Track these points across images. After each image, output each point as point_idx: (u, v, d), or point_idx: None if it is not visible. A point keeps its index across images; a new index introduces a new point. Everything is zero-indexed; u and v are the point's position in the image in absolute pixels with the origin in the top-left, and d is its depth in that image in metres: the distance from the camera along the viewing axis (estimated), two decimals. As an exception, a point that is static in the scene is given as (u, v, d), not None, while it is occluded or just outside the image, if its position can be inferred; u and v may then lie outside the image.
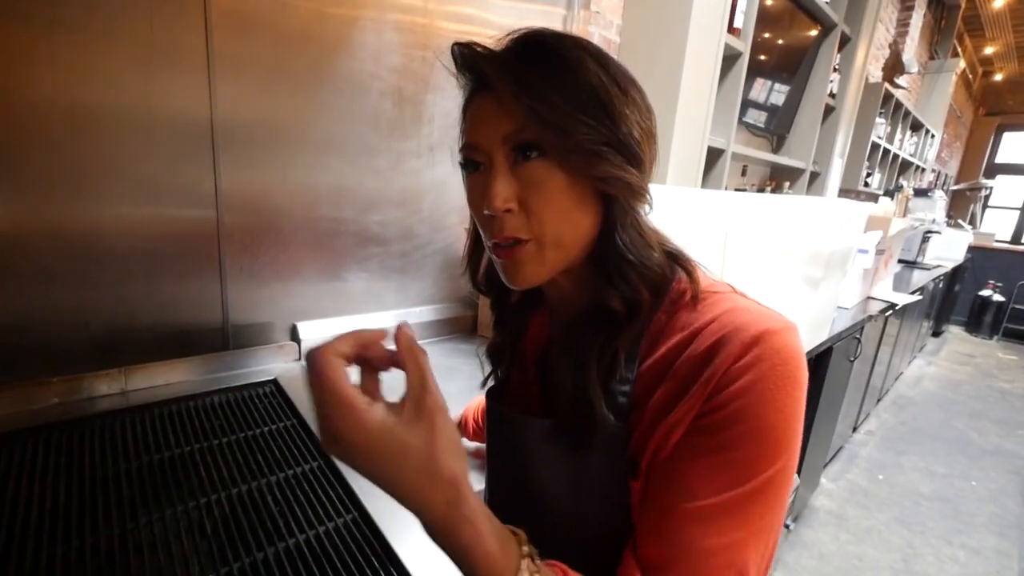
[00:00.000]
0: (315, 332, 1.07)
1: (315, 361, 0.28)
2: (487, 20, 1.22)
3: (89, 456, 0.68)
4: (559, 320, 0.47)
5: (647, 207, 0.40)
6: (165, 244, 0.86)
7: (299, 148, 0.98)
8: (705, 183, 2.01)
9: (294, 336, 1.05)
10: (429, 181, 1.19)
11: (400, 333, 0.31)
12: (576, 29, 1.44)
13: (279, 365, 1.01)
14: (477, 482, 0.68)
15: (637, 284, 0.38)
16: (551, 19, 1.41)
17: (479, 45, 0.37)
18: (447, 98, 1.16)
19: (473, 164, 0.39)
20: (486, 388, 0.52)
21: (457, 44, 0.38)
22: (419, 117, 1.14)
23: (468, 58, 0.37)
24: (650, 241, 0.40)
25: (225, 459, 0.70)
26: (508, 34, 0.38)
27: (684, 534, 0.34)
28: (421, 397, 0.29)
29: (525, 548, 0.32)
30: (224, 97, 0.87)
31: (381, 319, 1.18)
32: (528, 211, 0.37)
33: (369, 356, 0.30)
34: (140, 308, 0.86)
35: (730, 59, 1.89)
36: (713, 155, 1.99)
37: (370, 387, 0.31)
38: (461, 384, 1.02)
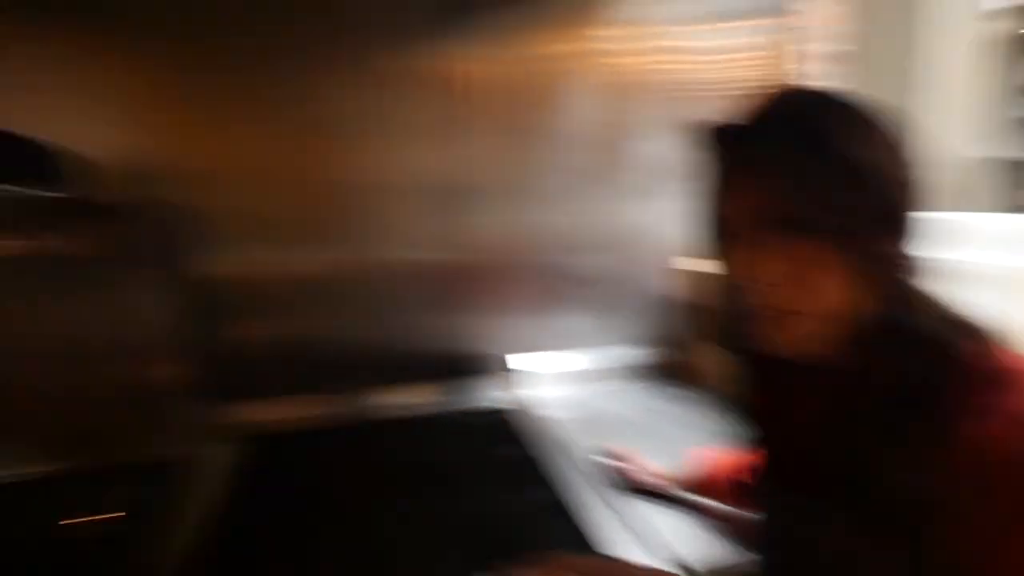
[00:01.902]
0: (528, 363, 1.18)
1: None
2: (690, 47, 1.18)
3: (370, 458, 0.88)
4: (825, 391, 0.44)
5: (914, 274, 0.38)
6: (419, 283, 1.09)
7: (516, 198, 1.13)
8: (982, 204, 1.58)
9: (515, 368, 1.17)
10: (631, 224, 1.23)
11: None
12: (789, 49, 1.32)
13: (502, 394, 1.14)
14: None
15: (911, 359, 0.36)
16: (757, 35, 1.31)
17: (730, 124, 0.40)
18: (645, 142, 1.18)
19: (730, 235, 0.40)
20: (750, 453, 0.52)
21: (706, 122, 0.41)
22: (621, 163, 1.19)
23: (719, 136, 0.41)
24: (924, 310, 0.38)
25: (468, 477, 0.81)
26: (754, 97, 0.39)
27: None
28: None
29: None
30: (463, 159, 1.07)
31: (585, 357, 1.24)
32: (791, 285, 0.37)
33: None
34: (401, 336, 1.11)
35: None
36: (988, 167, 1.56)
37: None
38: (672, 432, 0.98)
